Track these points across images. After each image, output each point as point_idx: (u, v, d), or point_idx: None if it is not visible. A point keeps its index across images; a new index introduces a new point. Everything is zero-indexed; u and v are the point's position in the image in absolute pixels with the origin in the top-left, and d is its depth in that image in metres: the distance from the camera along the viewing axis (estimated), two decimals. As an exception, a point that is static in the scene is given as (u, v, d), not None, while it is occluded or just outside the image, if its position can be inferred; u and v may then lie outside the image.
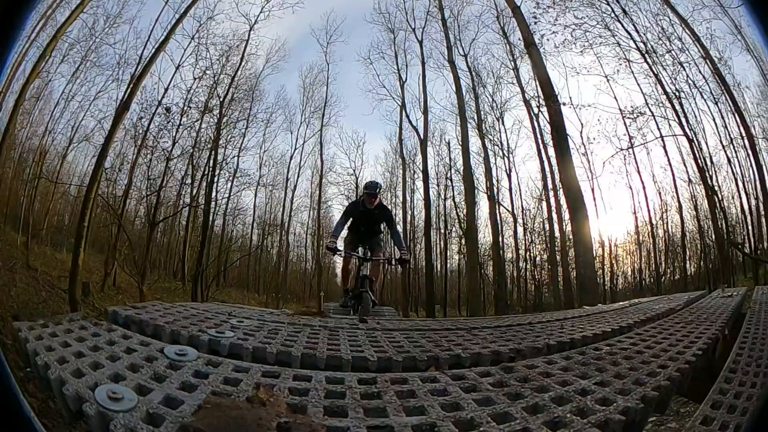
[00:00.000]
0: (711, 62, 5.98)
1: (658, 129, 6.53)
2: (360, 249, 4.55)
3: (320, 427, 0.56)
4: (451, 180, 7.90)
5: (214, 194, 7.51)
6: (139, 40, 6.54)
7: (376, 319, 1.79)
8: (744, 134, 5.72)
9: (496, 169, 7.69)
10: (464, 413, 0.63)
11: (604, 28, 6.77)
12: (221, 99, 7.43)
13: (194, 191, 7.38)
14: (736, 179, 5.92)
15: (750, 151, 5.64)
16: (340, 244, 4.79)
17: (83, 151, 6.27)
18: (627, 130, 6.79)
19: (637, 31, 6.64)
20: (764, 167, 5.50)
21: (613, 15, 6.79)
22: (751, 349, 1.37)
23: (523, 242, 7.81)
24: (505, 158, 7.60)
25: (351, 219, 4.66)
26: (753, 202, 5.77)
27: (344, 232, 4.90)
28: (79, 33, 6.18)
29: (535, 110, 7.37)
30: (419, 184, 8.10)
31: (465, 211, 7.70)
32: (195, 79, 7.22)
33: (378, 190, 4.65)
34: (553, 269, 7.56)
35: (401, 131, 8.21)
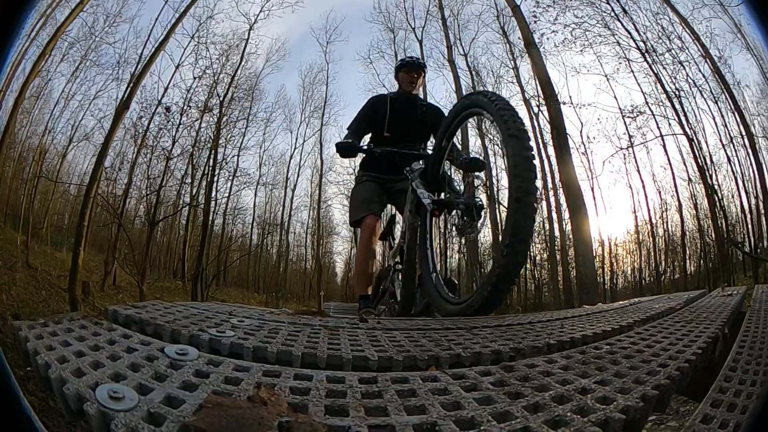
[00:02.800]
0: (711, 61, 5.98)
1: (658, 128, 6.55)
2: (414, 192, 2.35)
3: (321, 426, 0.56)
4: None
5: (213, 194, 7.53)
6: (139, 40, 6.56)
7: (376, 319, 1.75)
8: (744, 133, 5.73)
9: (496, 168, 7.69)
10: (465, 412, 0.63)
11: (603, 27, 6.77)
12: (221, 98, 7.45)
13: (194, 190, 7.40)
14: (735, 178, 5.93)
15: (750, 150, 5.65)
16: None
17: (83, 151, 6.28)
18: (627, 130, 6.80)
19: (637, 30, 6.65)
20: (764, 166, 5.51)
21: (613, 14, 6.80)
22: (751, 348, 1.37)
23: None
24: (505, 158, 7.58)
25: (374, 125, 2.80)
26: (753, 200, 5.78)
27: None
28: (79, 32, 6.20)
29: (535, 109, 7.37)
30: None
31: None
32: (195, 78, 7.24)
33: (424, 68, 2.99)
34: (553, 268, 7.57)
35: (401, 130, 8.17)
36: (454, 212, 2.19)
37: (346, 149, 2.63)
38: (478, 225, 2.08)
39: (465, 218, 2.11)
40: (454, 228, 2.20)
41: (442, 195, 2.29)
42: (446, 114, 2.49)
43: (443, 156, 2.32)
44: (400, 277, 2.74)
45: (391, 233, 3.12)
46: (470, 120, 2.32)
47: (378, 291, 3.00)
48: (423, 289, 2.46)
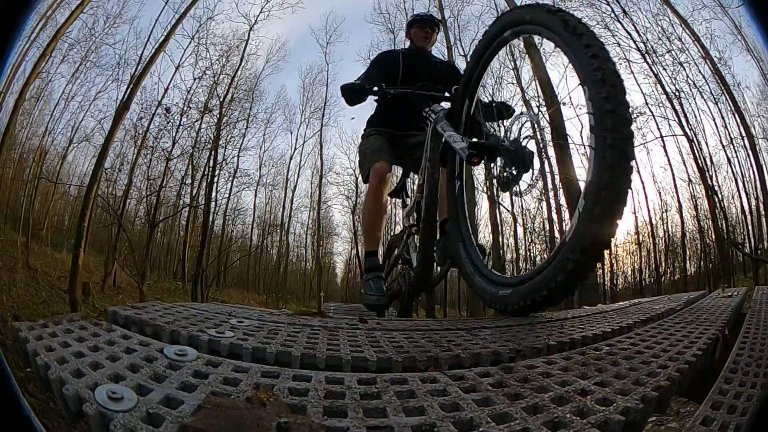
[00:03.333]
0: (711, 62, 5.99)
1: (658, 129, 6.54)
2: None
3: (320, 427, 0.56)
4: (451, 180, 7.85)
5: (214, 194, 7.53)
6: (139, 41, 6.56)
7: (375, 319, 1.70)
8: (744, 134, 5.73)
9: (497, 168, 7.68)
10: (464, 413, 0.63)
11: (603, 28, 6.77)
12: (221, 99, 7.45)
13: (194, 191, 7.39)
14: (736, 179, 5.93)
15: (750, 151, 5.65)
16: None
17: (83, 152, 6.28)
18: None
19: (637, 31, 6.65)
20: (764, 167, 5.51)
21: (612, 15, 6.80)
22: (752, 349, 1.37)
23: (523, 242, 7.82)
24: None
25: (386, 82, 2.40)
26: (753, 202, 5.78)
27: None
28: (79, 33, 6.20)
29: (536, 110, 7.37)
30: (419, 184, 8.06)
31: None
32: (195, 79, 7.24)
33: (438, 24, 2.77)
34: (553, 269, 7.55)
35: (401, 131, 8.17)
36: (498, 160, 1.68)
37: (353, 92, 2.30)
38: (529, 179, 1.60)
39: (512, 168, 1.61)
40: (494, 182, 1.72)
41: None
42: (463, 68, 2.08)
43: (476, 90, 1.89)
44: (416, 240, 2.39)
45: (404, 190, 2.75)
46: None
47: (389, 260, 2.70)
48: (444, 253, 2.09)
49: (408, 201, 2.64)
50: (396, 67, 2.58)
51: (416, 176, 2.43)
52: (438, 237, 2.16)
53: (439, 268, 2.29)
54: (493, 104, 2.08)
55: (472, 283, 1.73)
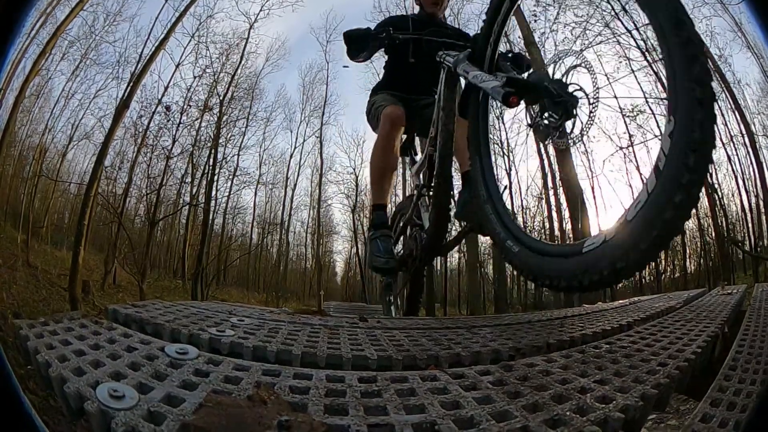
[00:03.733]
0: (711, 59, 5.97)
1: (658, 127, 6.53)
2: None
3: (321, 425, 0.56)
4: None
5: (214, 193, 7.52)
6: (139, 39, 6.54)
7: (376, 318, 1.66)
8: (744, 132, 5.72)
9: (496, 167, 7.69)
10: (464, 411, 0.63)
11: (604, 26, 6.75)
12: (221, 97, 7.44)
13: (194, 190, 7.39)
14: (736, 177, 5.93)
15: (750, 149, 5.64)
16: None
17: (83, 149, 6.27)
18: (627, 129, 6.79)
19: (637, 29, 6.64)
20: (764, 165, 5.51)
21: (613, 13, 6.78)
22: (751, 347, 1.37)
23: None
24: (505, 157, 7.59)
25: (394, 48, 2.30)
26: (753, 199, 5.78)
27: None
28: (79, 31, 6.18)
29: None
30: (419, 183, 8.05)
31: (465, 209, 7.67)
32: (195, 77, 7.22)
33: None
34: (553, 267, 7.56)
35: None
36: (538, 103, 1.41)
37: (358, 38, 2.08)
38: (577, 128, 1.35)
39: (554, 114, 1.37)
40: (532, 129, 1.46)
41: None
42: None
43: (503, 29, 1.64)
44: (427, 201, 2.17)
45: (412, 146, 2.53)
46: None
47: (397, 226, 2.45)
48: (465, 210, 1.89)
49: (417, 158, 2.39)
50: (403, 26, 2.32)
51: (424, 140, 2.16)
52: (461, 191, 1.94)
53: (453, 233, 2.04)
54: (510, 54, 1.87)
55: (508, 253, 1.42)
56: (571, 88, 1.36)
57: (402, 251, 2.40)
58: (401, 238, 2.51)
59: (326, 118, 8.53)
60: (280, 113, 8.30)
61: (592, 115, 1.33)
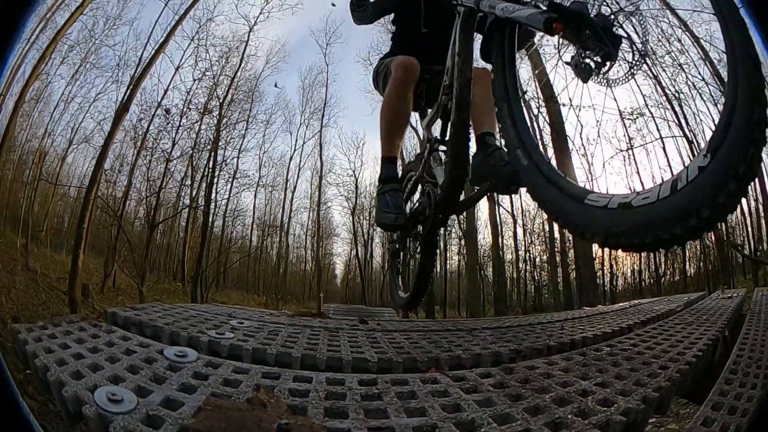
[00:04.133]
0: (711, 64, 5.99)
1: (658, 130, 6.54)
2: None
3: (321, 428, 0.56)
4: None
5: (213, 195, 7.53)
6: (139, 42, 6.55)
7: (376, 320, 1.63)
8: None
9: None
10: (465, 414, 0.63)
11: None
12: (221, 100, 7.46)
13: (194, 192, 7.40)
14: (736, 180, 5.93)
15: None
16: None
17: (83, 153, 6.28)
18: (627, 132, 6.80)
19: (637, 33, 6.65)
20: (764, 170, 5.51)
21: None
22: (752, 351, 1.37)
23: (523, 243, 7.83)
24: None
25: (405, 17, 2.18)
26: (752, 203, 5.78)
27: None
28: (79, 35, 6.20)
29: (535, 111, 7.37)
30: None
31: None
32: (194, 80, 7.24)
33: None
34: (552, 270, 7.57)
35: (401, 132, 8.15)
36: (579, 38, 1.23)
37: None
38: (618, 68, 1.21)
39: (597, 48, 1.21)
40: (572, 66, 1.27)
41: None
42: None
43: None
44: (440, 155, 2.05)
45: (422, 98, 2.31)
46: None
47: (405, 187, 2.30)
48: (482, 170, 1.77)
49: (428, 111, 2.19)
50: (418, 1, 2.13)
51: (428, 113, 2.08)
52: (475, 154, 1.82)
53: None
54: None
55: (550, 206, 1.15)
56: (615, 23, 1.19)
57: (413, 207, 2.21)
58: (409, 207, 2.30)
59: (326, 120, 8.55)
60: (279, 116, 8.32)
61: (634, 64, 1.19)
